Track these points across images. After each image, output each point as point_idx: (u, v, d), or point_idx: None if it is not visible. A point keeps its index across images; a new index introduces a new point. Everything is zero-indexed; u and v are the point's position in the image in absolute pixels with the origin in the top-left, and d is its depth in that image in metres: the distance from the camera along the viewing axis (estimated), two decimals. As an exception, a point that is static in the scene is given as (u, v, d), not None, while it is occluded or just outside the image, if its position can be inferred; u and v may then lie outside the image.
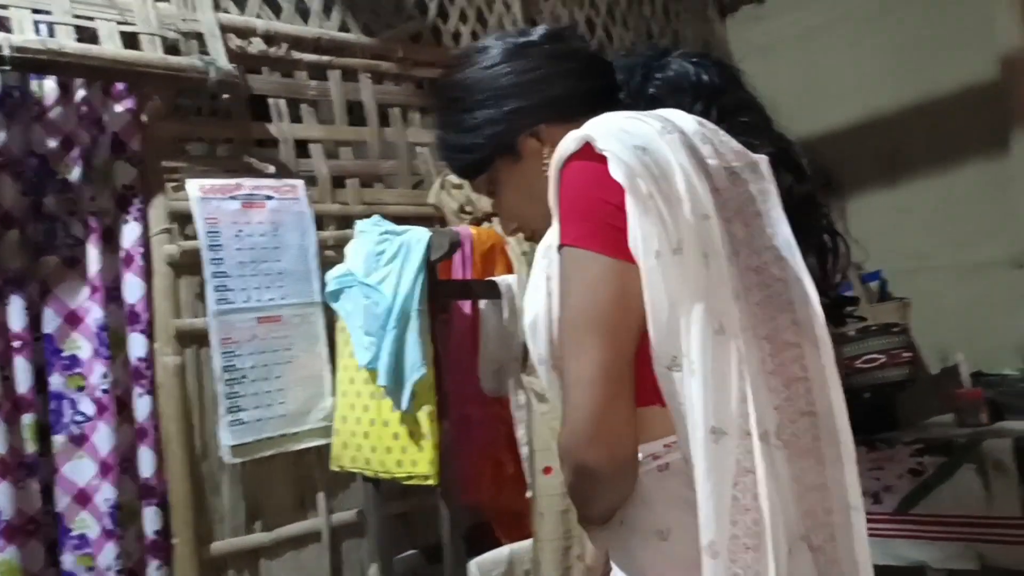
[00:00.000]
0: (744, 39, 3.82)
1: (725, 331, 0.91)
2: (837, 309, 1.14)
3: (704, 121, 1.04)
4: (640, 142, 0.95)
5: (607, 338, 0.92)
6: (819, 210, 1.11)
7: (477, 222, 2.60)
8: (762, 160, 1.03)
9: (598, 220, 0.95)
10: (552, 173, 1.00)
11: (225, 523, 2.20)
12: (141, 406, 2.10)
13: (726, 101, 1.10)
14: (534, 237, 1.16)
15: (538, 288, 1.05)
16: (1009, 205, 2.99)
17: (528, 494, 2.25)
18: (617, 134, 0.96)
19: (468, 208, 2.62)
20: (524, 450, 2.26)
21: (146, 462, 2.09)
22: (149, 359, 2.12)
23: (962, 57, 3.10)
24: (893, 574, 2.50)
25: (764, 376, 0.93)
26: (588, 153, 0.96)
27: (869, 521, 2.55)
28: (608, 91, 1.11)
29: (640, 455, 0.97)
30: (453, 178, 2.67)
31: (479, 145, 1.14)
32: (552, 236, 1.03)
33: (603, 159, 0.94)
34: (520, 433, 2.28)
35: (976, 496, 2.40)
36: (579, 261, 0.94)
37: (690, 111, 1.05)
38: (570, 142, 0.98)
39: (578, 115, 1.04)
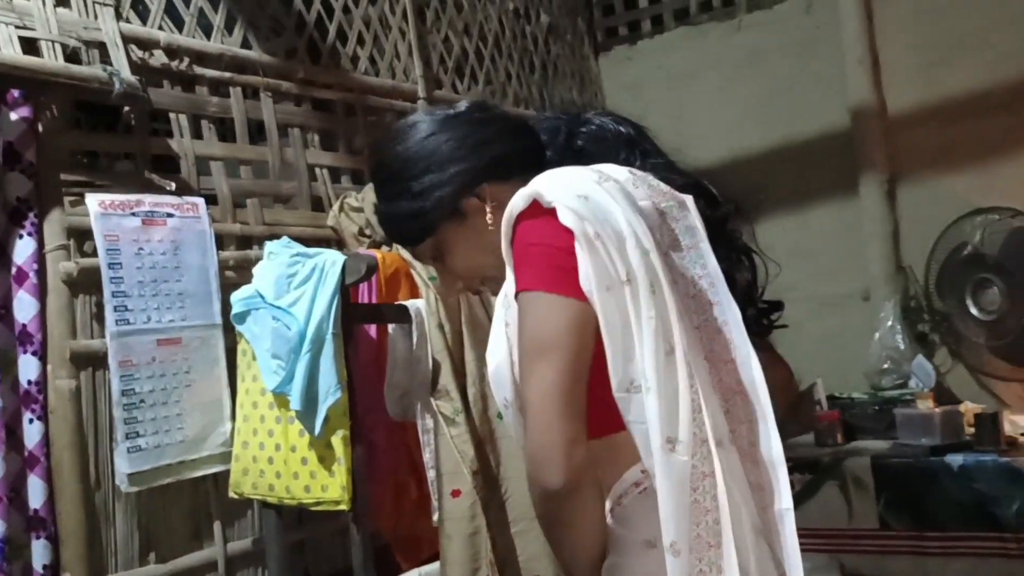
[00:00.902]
0: (616, 77, 4.02)
1: (674, 351, 1.01)
2: (764, 315, 1.25)
3: (634, 169, 1.17)
4: (582, 191, 1.07)
5: (557, 357, 1.02)
6: (735, 232, 1.24)
7: (376, 245, 2.60)
8: (688, 199, 1.15)
9: (547, 264, 1.05)
10: (504, 230, 1.10)
11: (118, 556, 2.09)
12: (31, 433, 1.97)
13: (642, 148, 1.24)
14: (481, 291, 1.29)
15: (499, 336, 1.16)
16: (859, 244, 3.29)
17: (434, 517, 2.27)
18: (561, 187, 1.07)
19: (367, 231, 2.63)
20: (431, 473, 2.28)
21: (36, 492, 1.96)
22: (41, 382, 1.99)
23: (819, 108, 3.40)
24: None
25: (710, 390, 1.04)
26: (536, 209, 1.07)
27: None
28: (536, 149, 1.23)
29: (623, 484, 1.08)
30: (352, 201, 2.66)
31: (426, 210, 1.20)
32: (508, 285, 1.13)
33: (550, 212, 1.05)
34: (427, 457, 2.29)
35: (838, 510, 2.62)
36: (532, 301, 1.05)
37: (616, 157, 1.19)
38: (519, 200, 1.09)
39: (514, 173, 1.17)
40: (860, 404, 3.00)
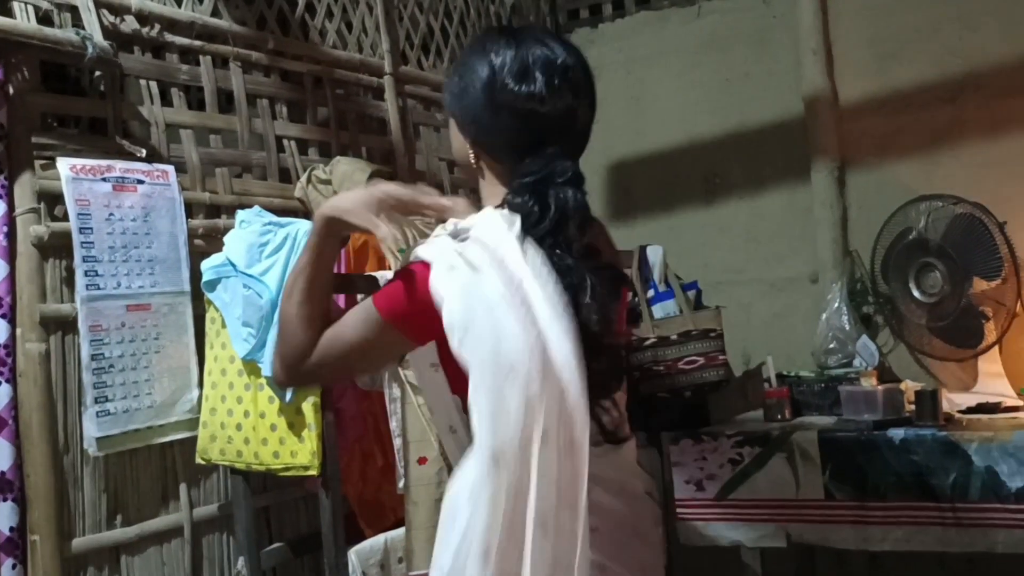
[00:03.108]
0: (577, 60, 4.06)
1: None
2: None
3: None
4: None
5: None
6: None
7: (343, 218, 2.62)
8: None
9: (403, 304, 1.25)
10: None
11: (85, 519, 2.11)
12: (0, 395, 1.97)
13: None
14: None
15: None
16: (809, 228, 3.41)
17: (400, 484, 2.32)
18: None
19: (334, 204, 2.64)
20: (397, 442, 2.33)
21: (3, 455, 1.97)
22: (10, 345, 1.99)
23: (773, 95, 3.49)
24: (712, 554, 2.79)
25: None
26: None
27: (693, 507, 2.85)
28: None
29: None
30: (320, 173, 2.68)
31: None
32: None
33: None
34: (393, 425, 2.34)
35: (786, 482, 2.72)
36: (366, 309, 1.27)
37: None
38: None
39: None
40: (807, 382, 3.11)
